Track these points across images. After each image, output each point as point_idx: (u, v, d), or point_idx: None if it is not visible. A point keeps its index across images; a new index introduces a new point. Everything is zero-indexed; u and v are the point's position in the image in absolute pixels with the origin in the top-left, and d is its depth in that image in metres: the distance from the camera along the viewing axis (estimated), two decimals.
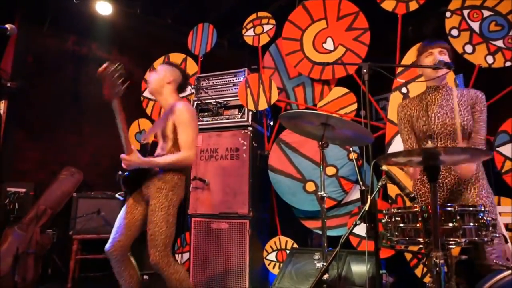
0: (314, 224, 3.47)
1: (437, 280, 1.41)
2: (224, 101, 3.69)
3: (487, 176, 2.14)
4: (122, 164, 2.28)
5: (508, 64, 2.88)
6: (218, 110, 3.67)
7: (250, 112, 3.56)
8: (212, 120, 3.68)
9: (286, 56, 3.77)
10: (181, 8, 4.80)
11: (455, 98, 2.08)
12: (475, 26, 3.00)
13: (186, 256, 3.58)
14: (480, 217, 1.56)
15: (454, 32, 3.06)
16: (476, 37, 2.99)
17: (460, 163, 1.93)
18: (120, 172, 2.37)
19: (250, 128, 3.52)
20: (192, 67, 4.17)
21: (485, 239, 1.56)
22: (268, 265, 3.50)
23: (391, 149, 3.16)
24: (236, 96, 3.63)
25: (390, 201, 3.12)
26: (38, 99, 4.43)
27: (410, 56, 3.12)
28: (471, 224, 1.55)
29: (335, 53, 3.49)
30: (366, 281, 2.59)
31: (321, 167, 2.16)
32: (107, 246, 2.34)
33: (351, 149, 3.24)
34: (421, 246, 1.65)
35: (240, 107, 3.62)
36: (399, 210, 1.68)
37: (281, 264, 3.20)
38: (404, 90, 3.19)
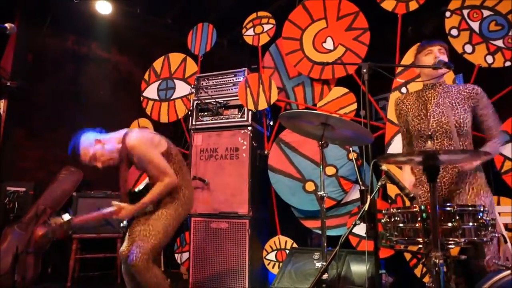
0: (314, 224, 3.46)
1: (437, 280, 1.41)
2: (224, 100, 3.69)
3: (487, 176, 2.13)
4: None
5: (507, 64, 2.88)
6: (218, 109, 3.67)
7: (250, 112, 3.56)
8: (212, 120, 3.68)
9: (286, 56, 3.77)
10: (181, 8, 4.80)
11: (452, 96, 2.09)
12: (475, 26, 3.00)
13: (185, 255, 3.58)
14: (479, 217, 1.56)
15: (454, 32, 3.06)
16: (476, 37, 2.99)
17: (460, 162, 1.94)
18: (122, 225, 2.42)
19: (250, 128, 3.52)
20: (192, 67, 4.17)
21: (484, 239, 1.56)
22: (268, 264, 3.50)
23: (391, 149, 3.16)
24: (236, 95, 3.63)
25: (389, 201, 3.12)
26: (38, 98, 4.42)
27: (409, 56, 3.12)
28: (471, 224, 1.55)
29: (335, 52, 3.49)
30: (366, 281, 2.59)
31: (321, 167, 2.16)
32: None
33: (350, 149, 3.24)
34: (421, 246, 1.65)
35: (240, 107, 3.62)
36: (399, 210, 1.68)
37: (281, 264, 3.21)
38: (403, 90, 3.19)
